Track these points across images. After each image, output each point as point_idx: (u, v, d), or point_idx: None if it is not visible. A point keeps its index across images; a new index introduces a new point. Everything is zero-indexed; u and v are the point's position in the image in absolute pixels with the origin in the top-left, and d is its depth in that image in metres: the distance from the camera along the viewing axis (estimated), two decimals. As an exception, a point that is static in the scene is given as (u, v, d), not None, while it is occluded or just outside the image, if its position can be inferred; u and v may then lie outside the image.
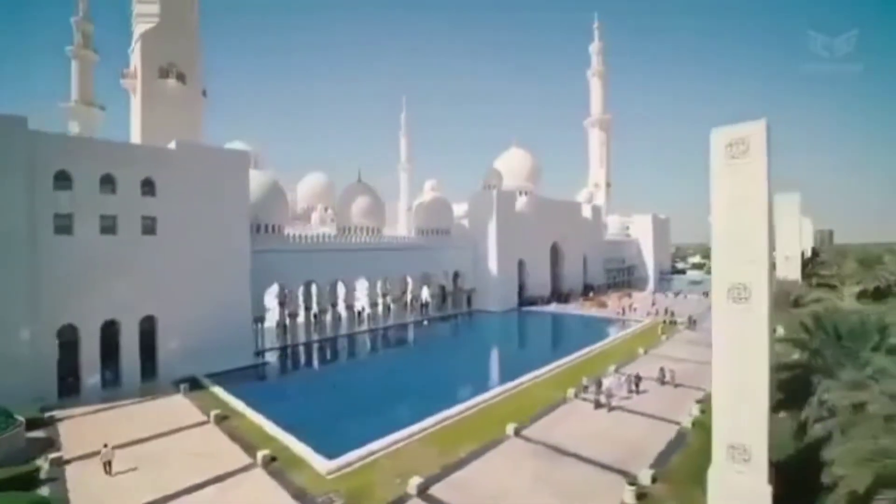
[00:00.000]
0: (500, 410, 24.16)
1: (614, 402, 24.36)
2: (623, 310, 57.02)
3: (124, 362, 29.43)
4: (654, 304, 60.42)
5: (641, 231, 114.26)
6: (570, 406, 24.74)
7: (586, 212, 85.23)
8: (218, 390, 27.88)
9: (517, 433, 21.02)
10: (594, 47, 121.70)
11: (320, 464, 18.25)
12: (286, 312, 42.87)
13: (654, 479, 16.65)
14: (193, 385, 28.82)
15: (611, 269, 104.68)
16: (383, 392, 29.87)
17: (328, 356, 40.71)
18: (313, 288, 47.95)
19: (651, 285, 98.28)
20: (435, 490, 16.32)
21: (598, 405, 23.75)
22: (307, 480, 17.21)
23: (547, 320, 56.33)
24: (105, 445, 18.27)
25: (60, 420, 23.39)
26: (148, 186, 30.11)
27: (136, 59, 41.33)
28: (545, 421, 22.71)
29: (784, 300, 27.62)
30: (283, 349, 40.39)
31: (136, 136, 41.00)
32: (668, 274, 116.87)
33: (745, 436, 14.02)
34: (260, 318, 39.98)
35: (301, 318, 45.45)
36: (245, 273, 34.66)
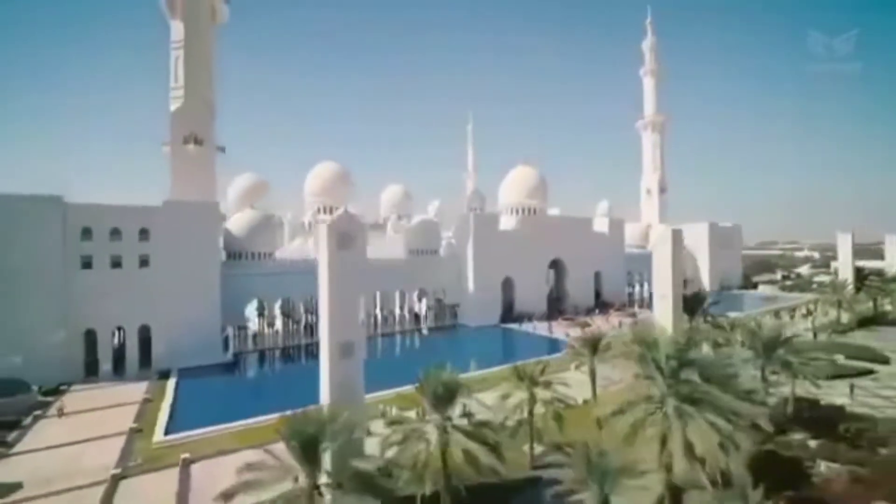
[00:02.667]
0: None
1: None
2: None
3: (128, 356, 42.76)
4: (620, 325, 58.34)
5: (696, 242, 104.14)
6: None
7: (601, 226, 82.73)
8: (171, 381, 39.21)
9: (304, 434, 27.48)
10: (647, 44, 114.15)
11: (158, 437, 27.36)
12: (265, 322, 53.99)
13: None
14: (162, 375, 40.75)
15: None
16: (280, 391, 38.08)
17: (282, 360, 50.20)
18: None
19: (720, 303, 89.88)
20: (194, 466, 24.00)
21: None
22: (141, 447, 26.36)
23: (501, 337, 58.89)
24: (61, 399, 30.30)
25: (69, 392, 36.65)
26: (144, 234, 43.08)
27: (169, 130, 56.27)
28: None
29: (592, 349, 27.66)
30: (257, 352, 51.15)
31: (169, 188, 55.89)
32: (732, 289, 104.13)
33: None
34: (242, 327, 51.70)
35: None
36: (215, 294, 46.10)
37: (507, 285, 69.88)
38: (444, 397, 17.53)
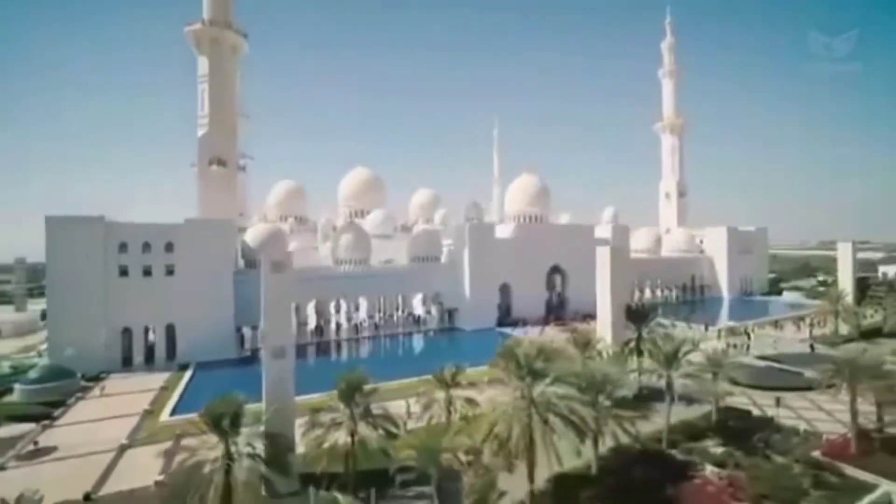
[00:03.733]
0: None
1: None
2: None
3: (156, 350, 50.50)
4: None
5: (715, 246, 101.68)
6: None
7: (604, 232, 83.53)
8: (188, 373, 46.21)
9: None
10: (666, 44, 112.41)
11: (163, 417, 33.74)
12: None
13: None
14: (183, 367, 47.96)
15: (675, 288, 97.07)
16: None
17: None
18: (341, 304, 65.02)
19: (724, 309, 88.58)
20: (183, 441, 29.90)
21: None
22: (148, 424, 32.79)
23: (489, 340, 61.99)
24: (104, 383, 37.70)
25: (107, 378, 44.41)
26: (169, 247, 50.59)
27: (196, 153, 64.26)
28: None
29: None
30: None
31: (197, 205, 63.86)
32: (753, 295, 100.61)
33: (271, 434, 23.92)
34: (255, 327, 58.54)
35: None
36: (229, 298, 52.95)
37: (505, 291, 73.03)
38: (348, 393, 21.99)
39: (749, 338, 59.48)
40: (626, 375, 29.85)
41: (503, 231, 74.99)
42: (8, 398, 37.70)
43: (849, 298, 57.45)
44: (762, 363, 45.64)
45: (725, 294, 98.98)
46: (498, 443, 19.61)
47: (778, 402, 32.48)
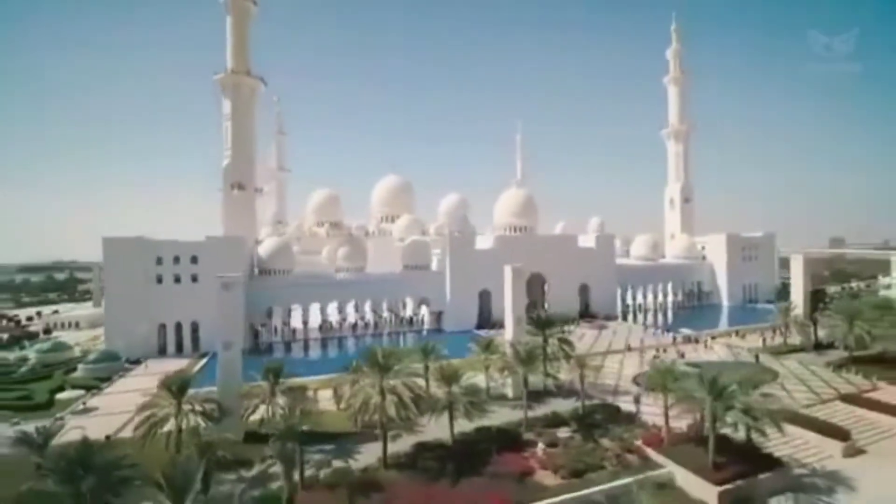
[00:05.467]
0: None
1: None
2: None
3: (185, 342, 63.73)
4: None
5: (715, 252, 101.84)
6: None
7: (588, 241, 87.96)
8: (204, 360, 58.59)
9: (249, 398, 43.55)
10: (671, 51, 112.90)
11: (172, 392, 45.46)
12: (281, 322, 72.43)
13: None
14: (202, 355, 60.57)
15: (674, 295, 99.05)
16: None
17: (296, 348, 68.10)
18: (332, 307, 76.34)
19: (723, 317, 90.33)
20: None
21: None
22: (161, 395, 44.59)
23: (458, 339, 69.56)
24: (146, 364, 50.78)
25: (145, 362, 57.77)
26: (194, 259, 63.56)
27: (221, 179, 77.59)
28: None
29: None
30: (283, 343, 69.83)
31: (222, 221, 77.21)
32: (757, 302, 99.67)
33: (223, 403, 34.21)
34: (264, 324, 70.72)
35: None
36: (240, 300, 65.00)
37: (486, 297, 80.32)
38: (267, 374, 31.76)
39: (705, 346, 63.07)
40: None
41: (485, 242, 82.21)
42: (73, 374, 51.58)
43: (799, 310, 59.12)
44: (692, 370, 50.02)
45: (725, 301, 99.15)
46: (353, 416, 28.42)
47: (637, 399, 38.09)
